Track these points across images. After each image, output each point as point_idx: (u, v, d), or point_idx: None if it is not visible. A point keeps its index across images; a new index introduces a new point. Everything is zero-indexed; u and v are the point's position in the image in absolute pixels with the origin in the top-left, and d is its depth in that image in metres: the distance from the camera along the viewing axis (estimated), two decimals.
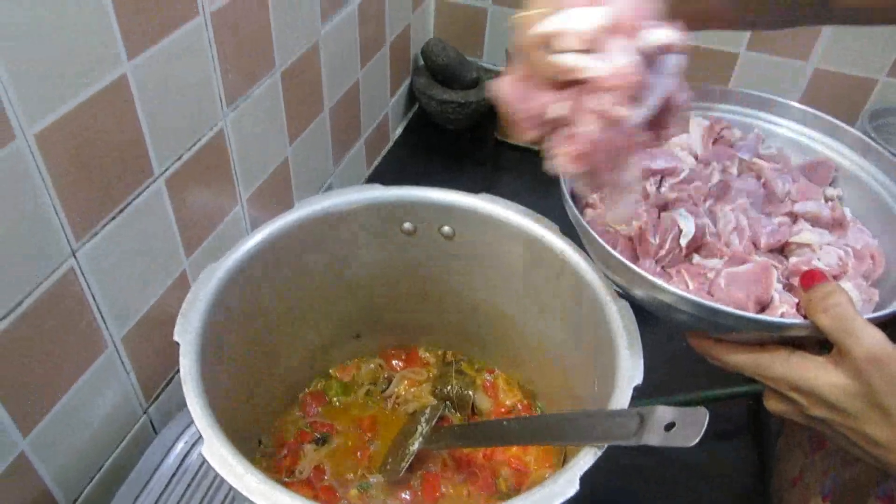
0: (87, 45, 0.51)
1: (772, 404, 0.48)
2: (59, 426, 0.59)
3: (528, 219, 0.58)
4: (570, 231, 0.59)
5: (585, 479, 0.41)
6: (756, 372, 0.47)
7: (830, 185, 0.59)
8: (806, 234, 0.52)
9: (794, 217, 0.56)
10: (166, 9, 0.58)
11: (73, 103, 0.51)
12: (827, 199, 0.58)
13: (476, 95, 1.19)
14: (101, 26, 0.52)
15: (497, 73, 1.23)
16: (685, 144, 0.61)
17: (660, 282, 0.46)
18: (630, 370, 0.47)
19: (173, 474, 0.64)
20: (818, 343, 0.45)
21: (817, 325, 0.43)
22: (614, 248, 0.50)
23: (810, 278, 0.45)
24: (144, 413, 0.70)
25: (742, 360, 0.47)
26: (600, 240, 0.49)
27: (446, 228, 0.61)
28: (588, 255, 0.55)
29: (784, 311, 0.48)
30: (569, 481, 0.40)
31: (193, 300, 0.48)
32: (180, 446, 0.65)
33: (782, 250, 0.54)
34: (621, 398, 0.46)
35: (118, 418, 0.67)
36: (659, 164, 0.58)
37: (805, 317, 0.45)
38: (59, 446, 0.60)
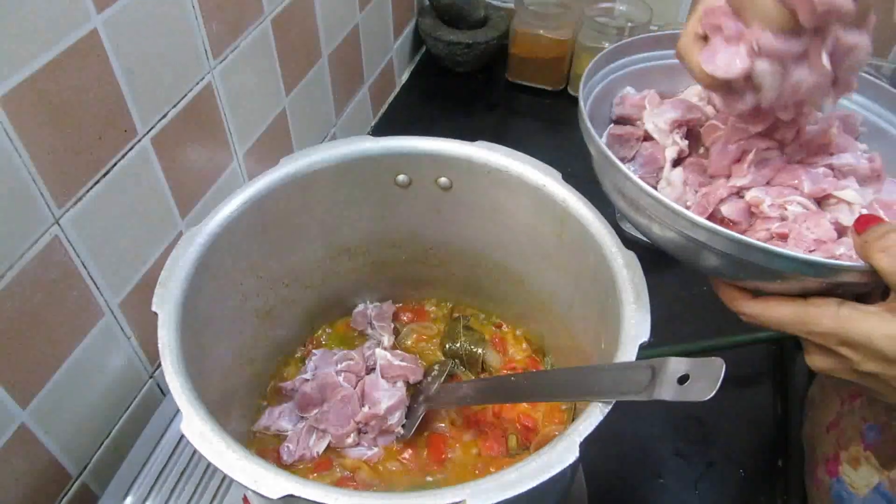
0: (50, 1, 0.48)
1: (816, 360, 0.44)
2: (60, 396, 0.58)
3: (529, 166, 0.54)
4: (573, 179, 0.55)
5: (586, 444, 0.39)
6: (801, 328, 0.43)
7: (856, 139, 0.55)
8: (850, 192, 0.48)
9: (832, 168, 0.52)
10: None
11: (38, 63, 0.49)
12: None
13: (485, 35, 1.13)
14: None
15: (506, 10, 1.17)
16: (703, 94, 0.57)
17: (696, 217, 0.42)
18: (636, 327, 0.44)
19: (182, 436, 0.64)
20: (865, 296, 0.42)
21: (875, 266, 0.39)
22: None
23: (865, 221, 0.41)
24: (151, 377, 0.70)
25: (784, 314, 0.43)
26: (624, 168, 0.45)
27: (443, 180, 0.58)
28: (597, 206, 0.52)
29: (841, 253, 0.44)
30: (568, 448, 0.38)
31: (172, 268, 0.46)
32: None
33: (819, 203, 0.50)
34: (626, 357, 0.43)
35: (123, 384, 0.66)
36: (679, 114, 0.54)
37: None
38: (63, 415, 0.59)
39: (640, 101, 0.56)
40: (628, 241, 0.51)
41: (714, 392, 0.37)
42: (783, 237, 0.46)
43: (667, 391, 0.38)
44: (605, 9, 1.09)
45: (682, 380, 0.38)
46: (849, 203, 0.47)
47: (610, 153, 0.46)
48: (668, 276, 0.85)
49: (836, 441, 0.58)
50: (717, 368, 0.37)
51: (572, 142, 0.53)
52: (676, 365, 0.39)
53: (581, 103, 0.51)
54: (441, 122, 1.13)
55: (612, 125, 0.57)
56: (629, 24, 1.04)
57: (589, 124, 0.49)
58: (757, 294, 0.45)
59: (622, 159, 0.53)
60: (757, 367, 0.80)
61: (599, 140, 0.47)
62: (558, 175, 0.54)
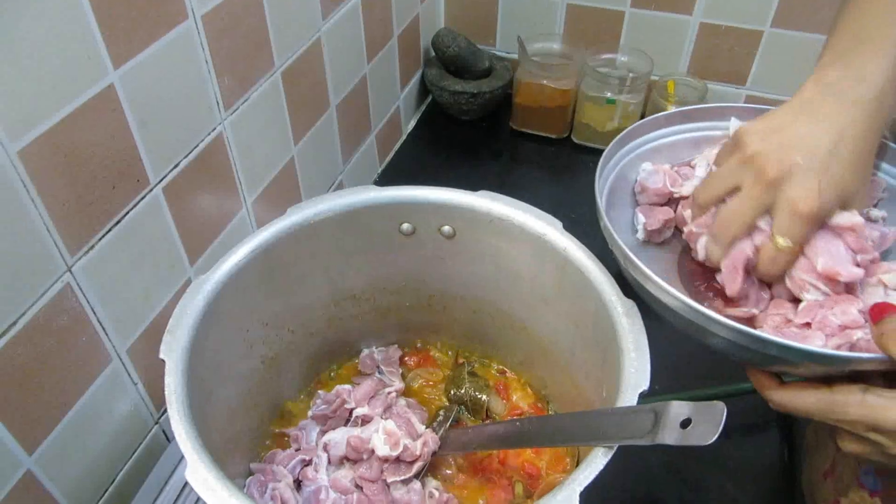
0: (69, 57, 0.50)
1: (848, 445, 0.44)
2: (66, 442, 0.59)
3: (530, 216, 0.56)
4: (575, 225, 0.56)
5: (586, 493, 0.39)
6: (829, 416, 0.43)
7: (875, 206, 0.54)
8: None
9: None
10: (152, 14, 0.57)
11: (57, 118, 0.50)
12: (871, 220, 0.52)
13: (489, 85, 1.16)
14: (82, 36, 0.51)
15: (510, 61, 1.20)
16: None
17: (712, 313, 0.43)
18: (636, 375, 0.45)
19: (186, 482, 0.64)
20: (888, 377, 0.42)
21: (893, 357, 0.39)
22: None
23: (881, 310, 0.41)
24: (156, 423, 0.70)
25: (810, 403, 0.43)
26: (655, 277, 0.45)
27: (446, 228, 0.59)
28: (599, 260, 0.52)
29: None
30: (567, 498, 0.38)
31: (180, 315, 0.47)
32: None
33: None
34: (626, 405, 0.44)
35: (129, 430, 0.67)
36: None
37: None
38: (68, 462, 0.60)
39: (662, 189, 0.56)
40: (631, 289, 0.51)
41: (716, 436, 0.37)
42: (807, 326, 0.46)
43: (669, 435, 0.39)
44: (606, 60, 1.12)
45: (685, 424, 0.39)
46: (885, 286, 0.46)
47: (629, 252, 0.47)
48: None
49: (835, 488, 0.57)
50: (718, 412, 0.38)
51: (574, 189, 0.55)
52: (678, 409, 0.39)
53: (598, 201, 0.51)
54: (446, 169, 1.15)
55: (645, 221, 0.56)
56: (630, 75, 1.07)
57: (611, 227, 0.49)
58: (784, 379, 0.45)
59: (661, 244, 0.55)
60: (763, 414, 0.79)
61: (623, 246, 0.48)
62: (559, 224, 0.55)
